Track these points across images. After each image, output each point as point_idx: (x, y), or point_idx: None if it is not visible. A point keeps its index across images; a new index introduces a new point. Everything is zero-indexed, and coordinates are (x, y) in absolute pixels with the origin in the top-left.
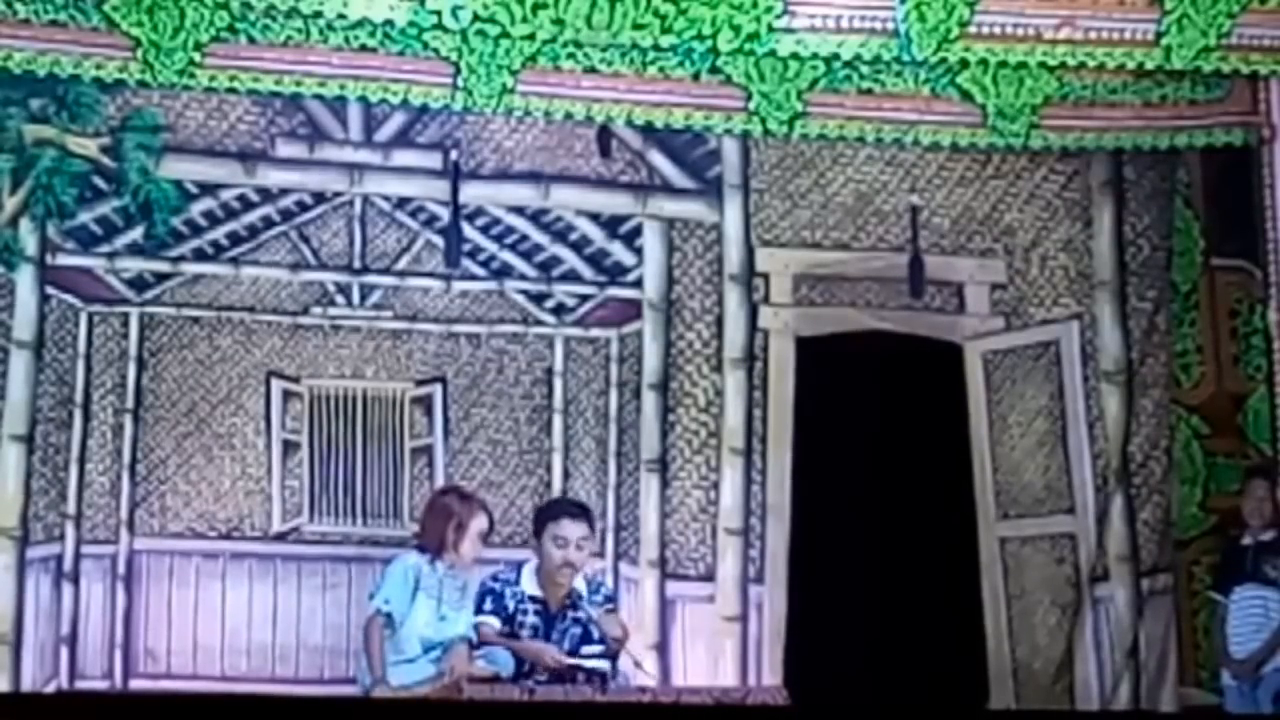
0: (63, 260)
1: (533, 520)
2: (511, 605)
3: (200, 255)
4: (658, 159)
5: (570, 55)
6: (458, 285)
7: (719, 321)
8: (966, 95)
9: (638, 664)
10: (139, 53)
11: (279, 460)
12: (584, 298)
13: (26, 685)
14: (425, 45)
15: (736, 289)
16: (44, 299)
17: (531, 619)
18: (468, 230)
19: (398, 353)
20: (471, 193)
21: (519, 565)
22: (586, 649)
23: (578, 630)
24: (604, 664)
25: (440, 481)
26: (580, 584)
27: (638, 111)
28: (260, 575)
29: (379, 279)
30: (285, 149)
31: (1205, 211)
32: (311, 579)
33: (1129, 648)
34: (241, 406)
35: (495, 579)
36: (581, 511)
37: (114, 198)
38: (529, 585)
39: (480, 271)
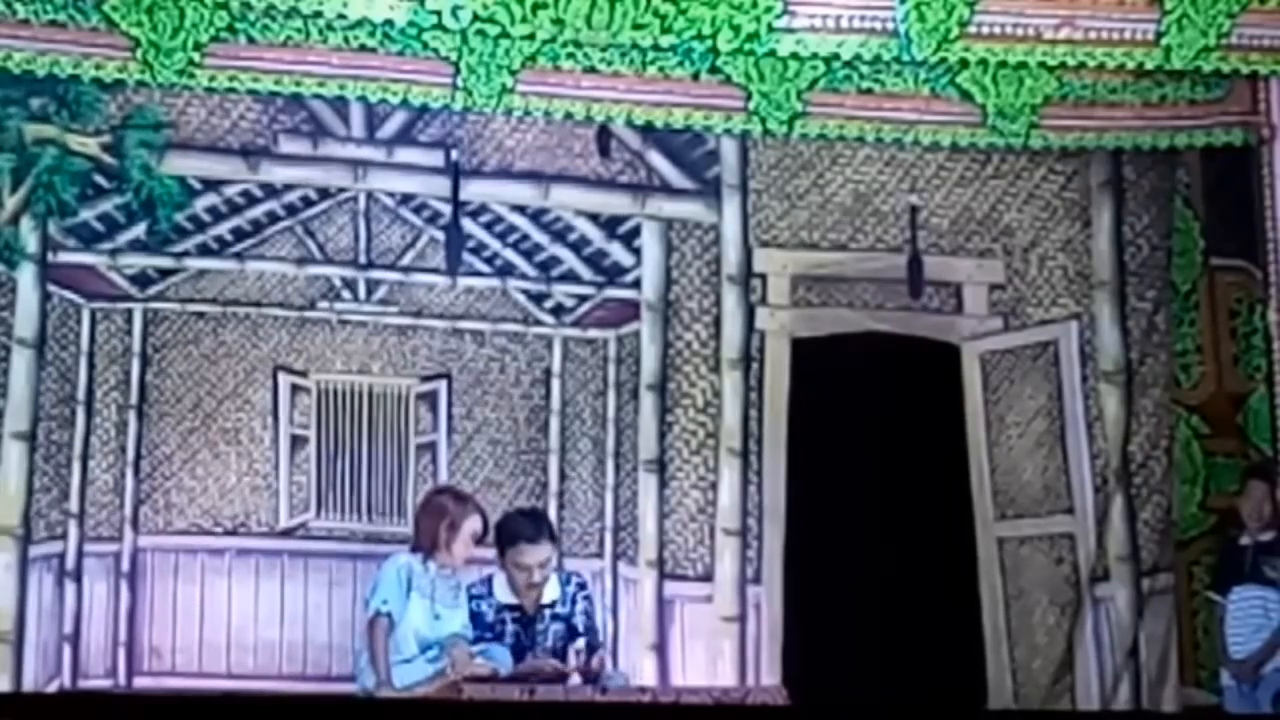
0: (64, 258)
1: (494, 533)
2: (491, 616)
3: (205, 250)
4: (657, 159)
5: (570, 55)
6: (462, 282)
7: (717, 322)
8: (966, 95)
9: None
10: (138, 53)
11: (286, 455)
12: (582, 298)
13: (29, 684)
14: (425, 45)
15: (734, 289)
16: (45, 296)
17: (511, 627)
18: (473, 227)
19: (404, 348)
20: (474, 190)
21: (489, 578)
22: (578, 643)
23: (559, 627)
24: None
25: (444, 479)
26: (553, 586)
27: (637, 111)
28: (267, 572)
29: (384, 274)
30: (288, 145)
31: (1205, 211)
32: (318, 575)
33: (1129, 648)
34: (248, 401)
35: (470, 596)
36: (538, 530)
37: (116, 195)
38: (503, 594)
39: (484, 268)
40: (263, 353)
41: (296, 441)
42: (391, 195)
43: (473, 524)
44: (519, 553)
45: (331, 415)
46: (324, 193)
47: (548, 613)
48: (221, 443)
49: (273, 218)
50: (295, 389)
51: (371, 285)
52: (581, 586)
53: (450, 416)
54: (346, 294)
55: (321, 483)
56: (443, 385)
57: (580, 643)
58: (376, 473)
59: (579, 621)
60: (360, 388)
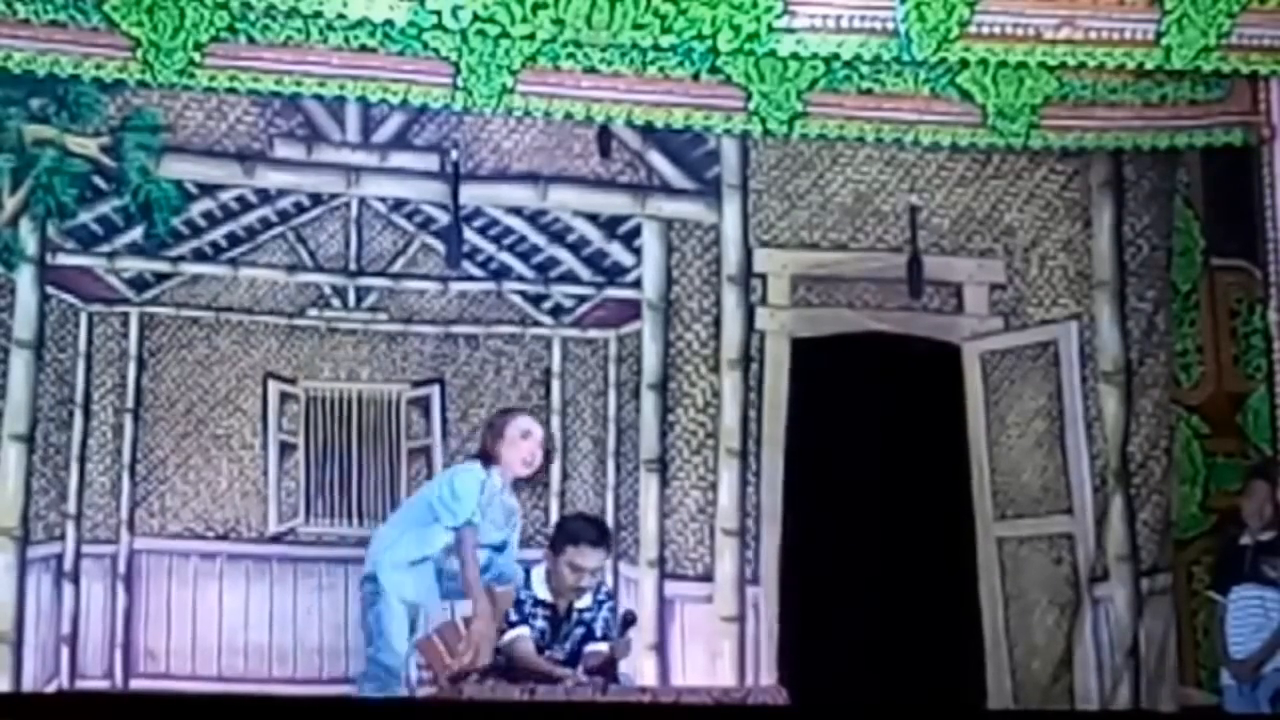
0: (63, 260)
1: (554, 530)
2: (528, 607)
3: (199, 256)
4: (657, 159)
5: (570, 55)
6: (455, 286)
7: (717, 322)
8: (966, 95)
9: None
10: (139, 53)
11: (275, 461)
12: (582, 298)
13: (28, 684)
14: (425, 45)
15: (734, 289)
16: (44, 298)
17: (540, 623)
18: (467, 231)
19: (394, 354)
20: (470, 193)
21: (528, 567)
22: (590, 646)
23: (581, 630)
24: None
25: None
26: (587, 596)
27: (638, 111)
28: (257, 576)
29: (375, 281)
30: (283, 150)
31: (1205, 211)
32: (308, 580)
33: (1129, 648)
34: (239, 408)
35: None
36: (602, 537)
37: (114, 197)
38: (539, 589)
39: (478, 272)
40: (253, 360)
41: (285, 448)
42: (384, 201)
43: (517, 425)
44: (579, 553)
45: (320, 422)
46: (316, 199)
47: (575, 615)
48: (213, 448)
49: (266, 224)
50: (284, 396)
51: (362, 292)
52: (609, 595)
53: (444, 420)
54: (336, 301)
55: (310, 489)
56: (435, 390)
57: (594, 645)
58: (367, 478)
59: (599, 627)
60: (349, 394)
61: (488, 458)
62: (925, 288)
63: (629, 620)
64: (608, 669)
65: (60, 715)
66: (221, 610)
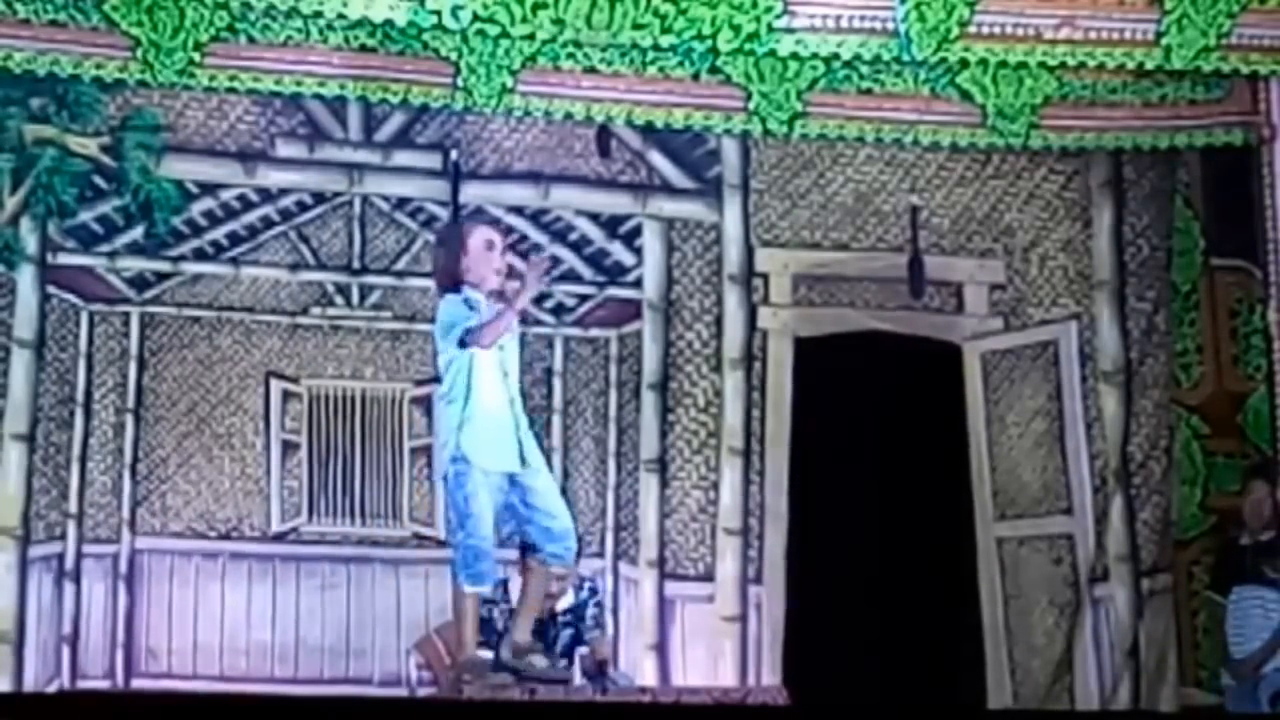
0: (63, 259)
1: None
2: (501, 624)
3: (200, 255)
4: (657, 159)
5: (570, 55)
6: None
7: (718, 322)
8: (966, 95)
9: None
10: (139, 53)
11: (278, 460)
12: (583, 298)
13: (29, 684)
14: (425, 45)
15: (736, 289)
16: (45, 298)
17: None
18: None
19: (397, 353)
20: (471, 193)
21: (505, 581)
22: (581, 648)
23: (569, 631)
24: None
25: (440, 480)
26: (568, 594)
27: (638, 111)
28: (259, 575)
29: (378, 279)
30: (285, 149)
31: (1205, 211)
32: (310, 579)
33: (1129, 648)
34: (241, 406)
35: (482, 601)
36: None
37: (114, 197)
38: (517, 600)
39: None
40: (255, 359)
41: (288, 447)
42: (387, 199)
43: (479, 235)
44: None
45: (323, 421)
46: (319, 197)
47: (560, 619)
48: (215, 447)
49: (268, 223)
50: (286, 395)
51: (365, 290)
52: (593, 592)
53: None
54: (339, 299)
55: (313, 488)
56: (437, 389)
57: (583, 647)
58: (370, 477)
59: (587, 626)
60: (352, 393)
61: (456, 283)
62: (926, 287)
63: (580, 611)
64: (600, 667)
65: (61, 715)
66: (223, 610)
